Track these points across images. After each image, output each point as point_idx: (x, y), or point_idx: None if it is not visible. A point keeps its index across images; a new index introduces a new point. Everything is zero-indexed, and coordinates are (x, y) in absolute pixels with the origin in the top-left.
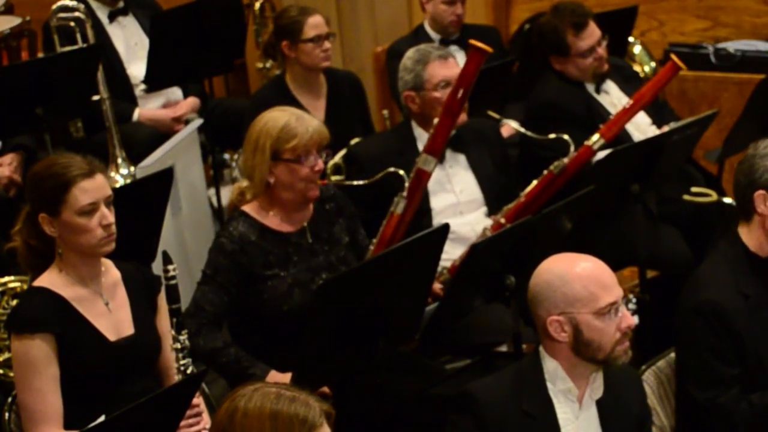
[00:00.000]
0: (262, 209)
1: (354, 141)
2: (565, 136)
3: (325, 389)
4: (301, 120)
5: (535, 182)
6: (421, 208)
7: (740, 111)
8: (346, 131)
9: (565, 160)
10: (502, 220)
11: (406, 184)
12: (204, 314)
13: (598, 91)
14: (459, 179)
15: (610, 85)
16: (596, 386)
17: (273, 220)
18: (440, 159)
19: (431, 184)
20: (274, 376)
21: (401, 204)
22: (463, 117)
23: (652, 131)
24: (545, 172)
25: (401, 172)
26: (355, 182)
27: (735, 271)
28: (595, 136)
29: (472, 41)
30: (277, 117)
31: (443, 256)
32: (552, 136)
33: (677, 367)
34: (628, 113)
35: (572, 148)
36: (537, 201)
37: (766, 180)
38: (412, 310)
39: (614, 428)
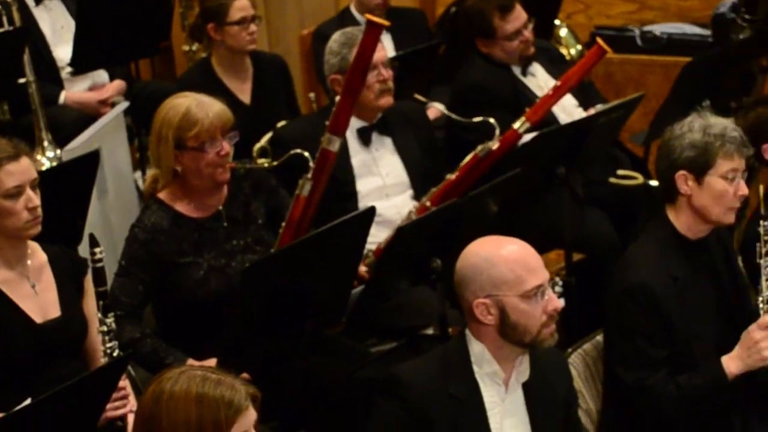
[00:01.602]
0: (175, 196)
1: (280, 124)
2: (491, 120)
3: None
4: (202, 105)
5: (461, 165)
6: (347, 192)
7: (666, 94)
8: (272, 114)
9: (491, 143)
10: (428, 203)
11: (311, 165)
12: (121, 305)
13: (524, 73)
14: (385, 162)
15: (536, 68)
16: (522, 369)
17: (186, 207)
18: (366, 142)
19: (357, 167)
20: (191, 364)
21: (307, 186)
22: (389, 100)
23: (579, 113)
24: (471, 155)
25: (306, 153)
26: (264, 164)
27: (664, 253)
28: (521, 120)
29: (368, 15)
30: (177, 105)
31: (369, 239)
32: (478, 119)
33: (605, 348)
34: (553, 97)
35: (497, 132)
36: (463, 184)
37: (685, 159)
38: (339, 293)
39: (540, 411)
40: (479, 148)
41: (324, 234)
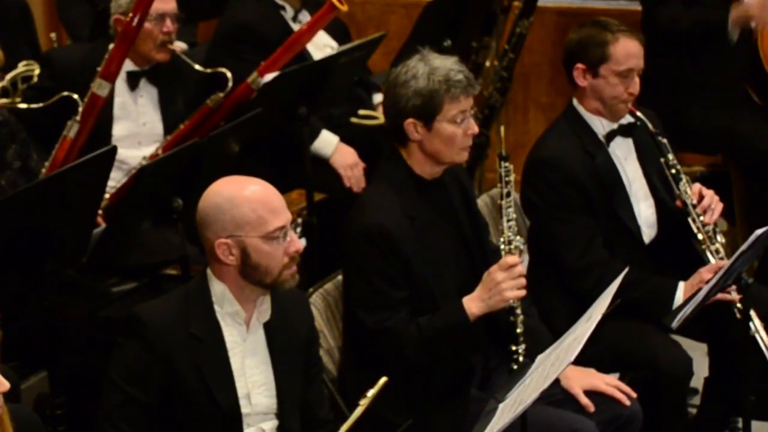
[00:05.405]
0: None
1: (22, 63)
2: (228, 74)
3: None
4: None
5: (191, 116)
6: (101, 133)
7: (408, 34)
8: (14, 55)
9: (221, 95)
10: (159, 152)
11: (80, 109)
12: None
13: (295, 19)
14: (145, 111)
15: (306, 16)
16: (263, 309)
17: None
18: (133, 87)
19: (117, 110)
20: None
21: (74, 128)
22: (166, 56)
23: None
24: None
25: (75, 96)
26: (32, 105)
27: (400, 193)
28: (253, 75)
29: None
30: None
31: (113, 184)
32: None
33: (344, 290)
34: (287, 53)
35: (230, 84)
36: (195, 134)
37: (412, 107)
38: (80, 233)
39: (281, 351)
40: (210, 98)
41: (64, 174)
